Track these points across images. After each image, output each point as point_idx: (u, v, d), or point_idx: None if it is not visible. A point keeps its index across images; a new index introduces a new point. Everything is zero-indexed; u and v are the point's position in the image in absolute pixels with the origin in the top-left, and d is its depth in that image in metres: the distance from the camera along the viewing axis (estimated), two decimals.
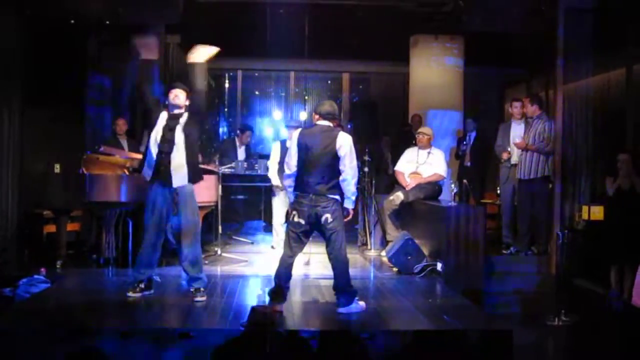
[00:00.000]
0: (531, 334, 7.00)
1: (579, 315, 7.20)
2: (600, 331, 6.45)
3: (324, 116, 6.09)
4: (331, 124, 6.09)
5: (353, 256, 9.35)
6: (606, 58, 10.10)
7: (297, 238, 6.03)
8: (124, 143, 9.35)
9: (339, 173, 5.93)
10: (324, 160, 5.91)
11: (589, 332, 6.89)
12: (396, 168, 9.30)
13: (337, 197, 5.96)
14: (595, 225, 8.02)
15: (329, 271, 7.79)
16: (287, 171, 6.11)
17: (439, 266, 7.77)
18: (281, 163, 8.67)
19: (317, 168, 5.90)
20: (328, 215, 5.88)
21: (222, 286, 7.00)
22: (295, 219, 5.99)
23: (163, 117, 6.38)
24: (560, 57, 8.39)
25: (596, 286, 7.79)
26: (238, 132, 11.57)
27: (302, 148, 5.99)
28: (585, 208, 8.35)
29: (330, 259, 6.07)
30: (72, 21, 9.44)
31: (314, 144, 5.95)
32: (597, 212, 8.05)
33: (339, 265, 6.02)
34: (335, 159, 5.90)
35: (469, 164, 10.39)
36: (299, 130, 6.22)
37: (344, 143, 5.91)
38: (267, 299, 6.02)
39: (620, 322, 5.51)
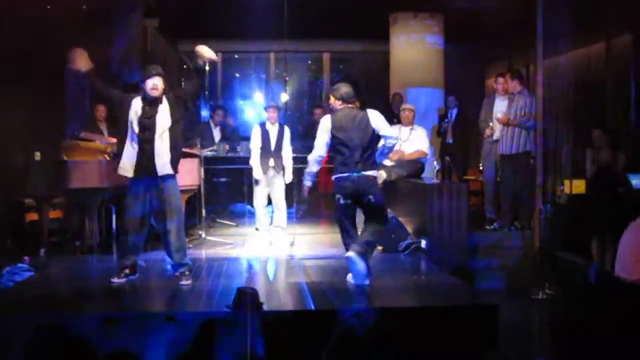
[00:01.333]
0: (516, 308, 7.06)
1: (563, 288, 7.26)
2: (583, 303, 6.50)
3: (346, 100, 6.32)
4: (354, 105, 6.42)
5: (337, 236, 9.37)
6: (586, 33, 10.14)
7: (349, 215, 6.35)
8: (104, 129, 9.27)
9: (374, 150, 6.31)
10: (364, 141, 6.19)
11: (573, 304, 6.95)
12: (379, 145, 9.29)
13: (375, 173, 6.31)
14: (577, 199, 8.08)
15: (313, 251, 7.84)
16: (316, 156, 6.40)
17: (423, 243, 7.79)
18: (262, 147, 8.63)
19: (357, 150, 6.16)
20: (371, 196, 6.19)
21: (207, 269, 6.99)
22: (342, 202, 6.24)
23: (137, 104, 6.23)
24: (540, 32, 8.38)
25: (579, 259, 7.85)
26: (210, 112, 11.56)
27: (338, 133, 6.21)
28: (567, 182, 8.41)
29: (367, 228, 6.37)
30: (48, 6, 9.34)
31: (351, 127, 6.21)
32: (579, 186, 8.12)
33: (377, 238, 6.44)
34: (372, 135, 6.24)
35: (450, 140, 10.42)
36: (329, 117, 6.36)
37: (377, 117, 6.31)
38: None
39: (603, 294, 5.57)
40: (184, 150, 7.89)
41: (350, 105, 6.32)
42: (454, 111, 10.61)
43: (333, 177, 6.27)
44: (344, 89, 6.33)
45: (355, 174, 6.13)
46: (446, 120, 10.54)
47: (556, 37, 9.46)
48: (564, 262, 7.88)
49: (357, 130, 6.18)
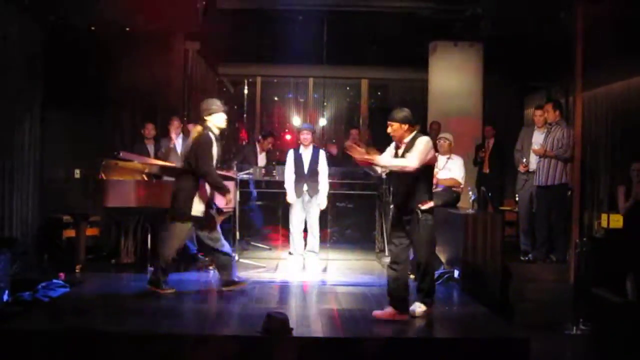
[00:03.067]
0: (549, 343, 6.96)
1: (597, 325, 7.15)
2: (617, 341, 6.40)
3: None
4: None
5: (370, 262, 9.38)
6: (626, 65, 10.05)
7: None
8: (151, 147, 9.37)
9: None
10: None
11: (607, 341, 6.84)
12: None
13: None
14: (615, 234, 7.96)
15: (345, 278, 7.84)
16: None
17: (456, 273, 7.75)
18: (296, 171, 8.68)
19: None
20: None
21: (239, 292, 7.02)
22: None
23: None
24: (580, 64, 8.33)
25: (614, 295, 7.72)
26: (260, 137, 11.61)
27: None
28: (604, 216, 8.30)
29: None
30: (92, 28, 9.56)
31: None
32: (616, 221, 8.01)
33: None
34: None
35: (487, 170, 10.38)
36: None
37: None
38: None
39: (637, 332, 5.48)
40: (221, 173, 8.00)
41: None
42: (491, 141, 10.56)
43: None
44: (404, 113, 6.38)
45: None
46: (482, 150, 10.50)
47: (596, 69, 9.40)
48: (598, 298, 7.76)
49: None
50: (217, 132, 6.80)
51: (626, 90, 10.60)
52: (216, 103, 6.87)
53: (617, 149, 10.40)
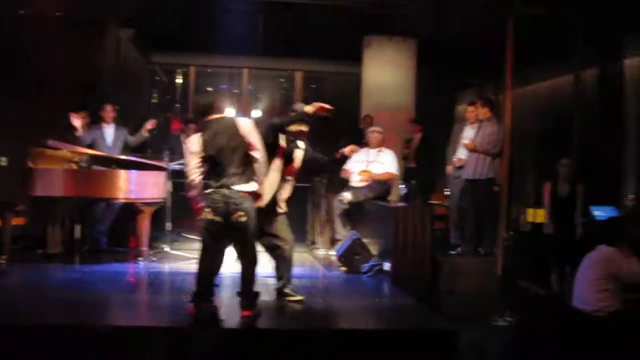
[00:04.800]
0: (476, 334, 7.10)
1: (522, 316, 7.33)
2: (541, 331, 6.58)
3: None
4: None
5: (302, 255, 9.40)
6: (555, 64, 10.33)
7: None
8: (81, 135, 9.03)
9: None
10: None
11: (532, 332, 7.02)
12: (345, 167, 9.35)
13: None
14: (540, 228, 8.19)
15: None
16: None
17: (387, 266, 7.84)
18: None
19: None
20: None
21: (170, 283, 6.96)
22: None
23: None
24: (510, 62, 8.52)
25: (539, 287, 7.94)
26: (182, 125, 11.46)
27: None
28: (530, 211, 8.53)
29: None
30: (22, 12, 9.30)
31: None
32: (542, 215, 8.23)
33: None
34: None
35: (412, 165, 10.48)
36: None
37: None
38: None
39: (560, 323, 5.65)
40: (151, 162, 7.89)
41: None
42: (418, 136, 10.71)
43: None
44: None
45: None
46: (409, 144, 10.63)
47: (526, 67, 9.62)
48: (524, 290, 7.98)
49: None
50: None
51: (554, 89, 10.89)
52: None
53: (544, 145, 10.67)
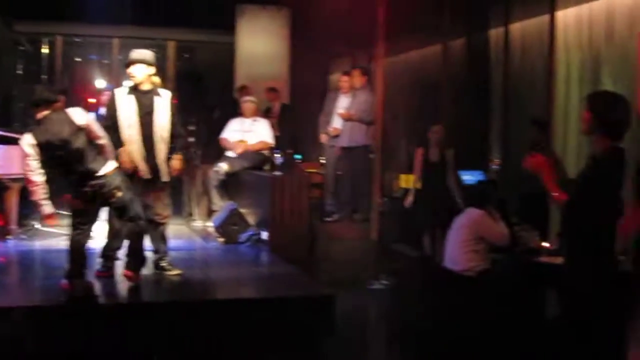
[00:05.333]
0: (354, 298, 7.27)
1: (398, 278, 7.56)
2: (414, 292, 6.83)
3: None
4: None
5: (179, 227, 9.27)
6: (424, 34, 10.57)
7: None
8: None
9: None
10: None
11: (406, 293, 7.27)
12: (222, 136, 9.29)
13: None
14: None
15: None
16: None
17: (265, 235, 7.87)
18: None
19: None
20: None
21: (41, 261, 6.72)
22: None
23: None
24: (382, 31, 8.66)
25: (412, 251, 8.19)
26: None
27: None
28: (402, 176, 8.75)
29: None
30: None
31: None
32: (414, 181, 8.46)
33: None
34: None
35: (277, 134, 10.53)
36: None
37: None
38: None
39: (432, 283, 5.88)
40: (18, 136, 7.53)
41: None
42: (277, 105, 10.77)
43: None
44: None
45: None
46: (270, 114, 10.68)
47: (397, 37, 9.79)
48: (398, 253, 8.21)
49: None
50: None
51: (423, 58, 11.16)
52: None
53: (416, 113, 10.94)
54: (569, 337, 3.99)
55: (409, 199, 8.04)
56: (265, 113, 10.80)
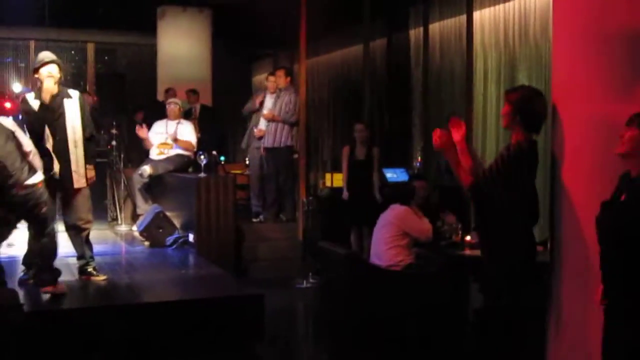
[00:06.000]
0: (282, 297, 7.31)
1: (324, 276, 7.63)
2: (341, 289, 6.90)
3: None
4: None
5: (103, 232, 9.13)
6: (346, 35, 10.71)
7: None
8: None
9: None
10: None
11: (333, 290, 7.35)
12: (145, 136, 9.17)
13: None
14: (338, 192, 8.51)
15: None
16: None
17: (191, 237, 7.84)
18: None
19: None
20: None
21: None
22: None
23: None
24: (304, 32, 8.73)
25: (339, 248, 8.27)
26: None
27: None
28: (328, 175, 8.85)
29: None
30: None
31: None
32: (339, 179, 8.56)
33: None
34: None
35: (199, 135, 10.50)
36: None
37: None
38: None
39: (358, 279, 5.95)
40: None
41: None
42: (197, 107, 10.74)
43: None
44: None
45: None
46: (191, 117, 10.64)
47: (319, 38, 9.89)
48: (325, 251, 8.28)
49: None
50: None
51: (345, 58, 11.30)
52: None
53: (339, 113, 11.07)
54: (490, 329, 4.11)
55: (345, 193, 8.09)
56: (186, 115, 10.73)
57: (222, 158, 9.93)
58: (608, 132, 3.53)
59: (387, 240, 5.94)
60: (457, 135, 3.93)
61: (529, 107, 3.89)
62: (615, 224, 3.22)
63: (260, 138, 8.96)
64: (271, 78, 9.21)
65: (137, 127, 9.04)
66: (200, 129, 10.37)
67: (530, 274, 3.95)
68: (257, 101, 9.13)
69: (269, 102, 9.12)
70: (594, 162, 3.72)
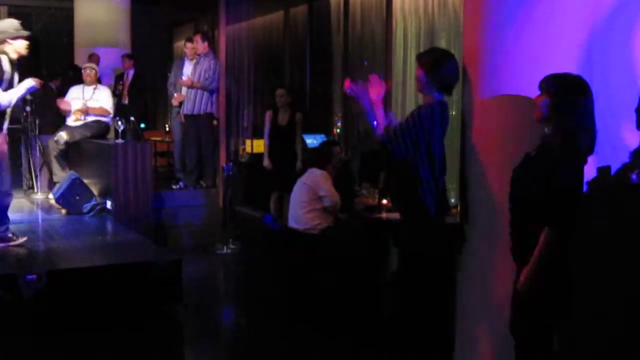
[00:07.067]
0: (202, 263, 7.33)
1: (244, 242, 7.68)
2: (260, 253, 6.97)
3: None
4: None
5: (19, 200, 8.92)
6: (267, 0, 10.64)
7: None
8: None
9: None
10: None
11: (253, 255, 7.41)
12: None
13: None
14: (258, 158, 8.53)
15: None
16: None
17: (109, 204, 7.74)
18: None
19: None
20: None
21: None
22: None
23: None
24: None
25: (258, 213, 8.33)
26: None
27: None
28: (248, 142, 8.84)
29: None
30: None
31: None
32: (259, 146, 8.58)
33: None
34: None
35: (125, 102, 10.34)
36: None
37: None
38: None
39: (276, 243, 6.01)
40: None
41: None
42: (130, 72, 10.55)
43: None
44: None
45: None
46: (121, 82, 10.46)
47: (239, 3, 9.81)
48: (245, 216, 8.32)
49: None
50: None
51: (266, 25, 11.23)
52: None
53: (260, 79, 11.03)
54: (404, 293, 4.19)
55: (266, 161, 8.09)
56: (117, 80, 10.54)
57: (142, 125, 9.80)
58: (517, 96, 3.65)
59: (303, 204, 6.00)
60: (374, 93, 3.98)
61: (439, 69, 3.97)
62: (523, 177, 3.33)
63: (180, 104, 8.89)
64: (189, 44, 9.12)
65: (59, 101, 8.85)
66: (129, 95, 10.21)
67: (441, 230, 4.06)
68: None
69: (187, 68, 9.04)
70: (503, 123, 3.82)
